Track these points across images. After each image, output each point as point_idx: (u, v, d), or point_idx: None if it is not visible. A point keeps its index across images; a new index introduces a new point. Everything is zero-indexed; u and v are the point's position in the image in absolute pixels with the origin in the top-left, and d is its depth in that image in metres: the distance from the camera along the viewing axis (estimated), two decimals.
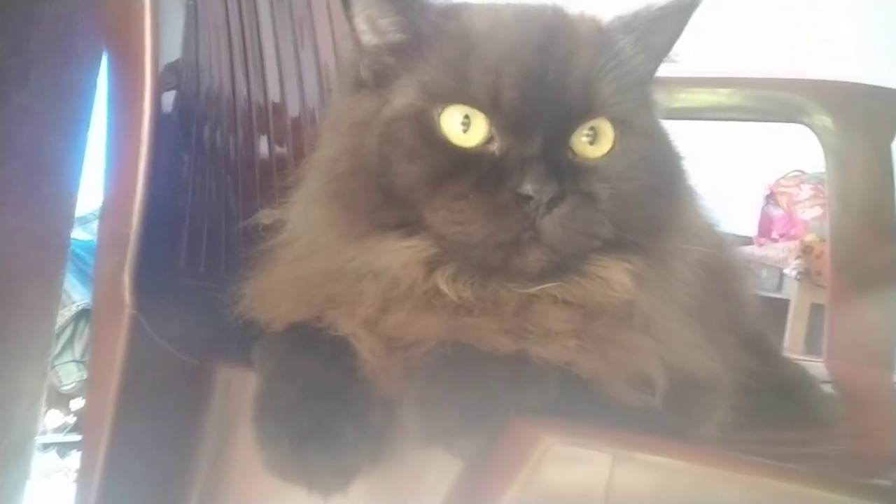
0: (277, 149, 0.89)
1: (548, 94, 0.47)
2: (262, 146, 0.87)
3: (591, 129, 0.49)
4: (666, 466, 0.37)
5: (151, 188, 0.55)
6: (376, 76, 0.52)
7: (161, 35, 0.60)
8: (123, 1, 0.60)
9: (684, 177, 0.56)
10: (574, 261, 0.49)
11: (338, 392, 0.48)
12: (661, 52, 0.54)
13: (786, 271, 2.00)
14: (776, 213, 2.38)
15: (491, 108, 0.47)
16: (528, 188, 0.45)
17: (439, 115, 0.48)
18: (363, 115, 0.51)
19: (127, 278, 0.52)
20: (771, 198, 2.40)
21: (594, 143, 0.49)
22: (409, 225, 0.48)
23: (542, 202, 0.45)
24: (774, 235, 2.34)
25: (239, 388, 0.55)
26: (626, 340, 0.49)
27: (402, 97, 0.49)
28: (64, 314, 1.53)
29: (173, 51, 0.66)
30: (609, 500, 0.36)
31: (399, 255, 0.48)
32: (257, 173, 0.85)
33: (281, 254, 0.56)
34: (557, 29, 0.50)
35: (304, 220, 0.54)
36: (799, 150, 1.67)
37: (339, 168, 0.50)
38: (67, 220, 0.90)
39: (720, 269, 0.67)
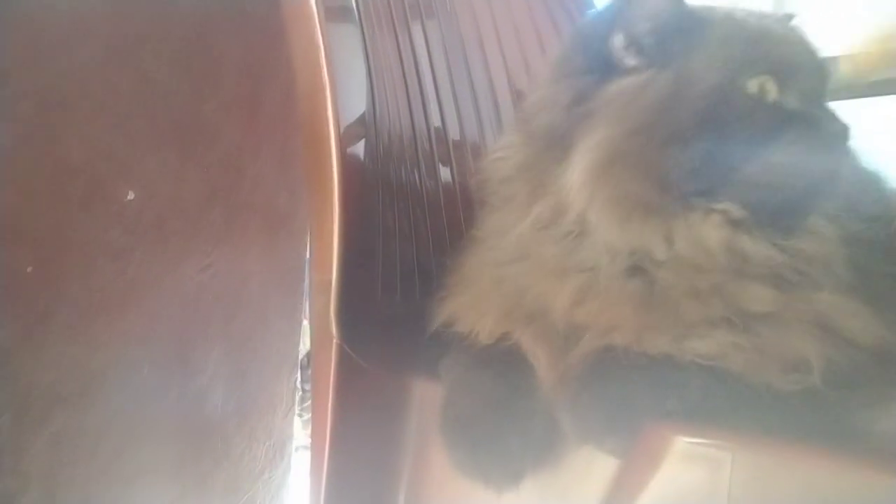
0: (459, 178, 0.97)
1: (816, 60, 0.56)
2: (445, 176, 0.92)
3: None
4: (785, 464, 0.38)
5: (346, 239, 0.65)
6: (650, 58, 0.55)
7: (340, 91, 0.68)
8: (309, 71, 0.69)
9: None
10: None
11: (506, 405, 0.54)
12: None
13: None
14: None
15: (787, 70, 0.54)
16: (840, 125, 0.52)
17: (745, 82, 0.53)
18: (661, 93, 0.54)
19: (333, 316, 0.64)
20: None
21: None
22: (716, 189, 0.53)
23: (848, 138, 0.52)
24: None
25: (432, 398, 0.64)
26: (792, 316, 0.51)
27: (707, 72, 0.53)
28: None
29: (359, 104, 0.74)
30: (732, 498, 0.38)
31: (711, 219, 0.53)
32: (443, 202, 0.92)
33: (486, 270, 0.62)
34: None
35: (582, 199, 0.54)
36: None
37: (633, 145, 0.53)
38: (301, 262, 1.09)
39: None
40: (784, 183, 0.52)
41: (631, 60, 0.56)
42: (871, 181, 0.67)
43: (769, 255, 0.52)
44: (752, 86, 0.53)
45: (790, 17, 0.61)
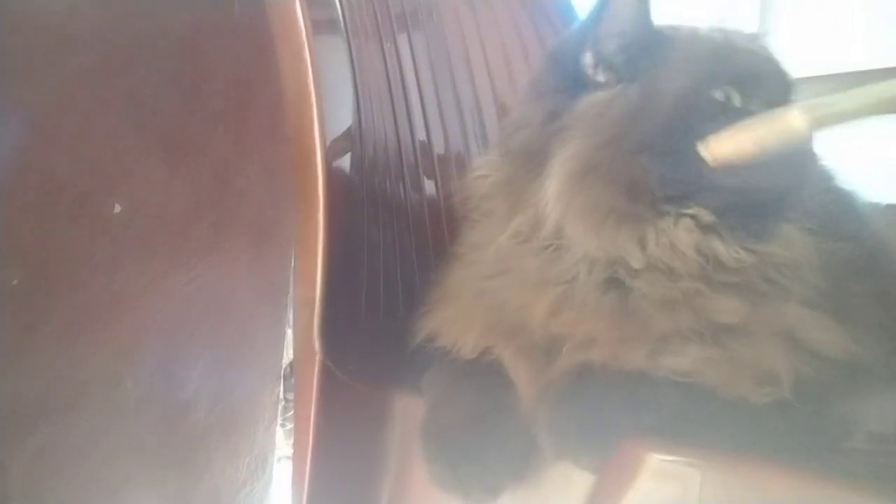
0: (443, 191, 0.97)
1: (779, 71, 0.58)
2: (429, 189, 0.92)
3: None
4: (754, 482, 0.39)
5: (331, 255, 0.65)
6: (618, 74, 0.57)
7: (327, 105, 0.68)
8: (296, 84, 0.68)
9: None
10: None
11: (486, 420, 0.55)
12: None
13: None
14: None
15: (751, 80, 0.56)
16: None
17: (711, 91, 0.55)
18: (629, 105, 0.55)
19: (316, 332, 0.64)
20: None
21: None
22: (686, 195, 0.54)
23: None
24: None
25: (414, 412, 0.64)
26: (762, 330, 0.52)
27: (673, 84, 0.55)
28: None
29: (345, 117, 0.74)
30: None
31: (682, 223, 0.54)
32: (427, 216, 0.91)
33: (468, 284, 0.63)
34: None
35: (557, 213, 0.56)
36: None
37: (604, 156, 0.54)
38: (287, 274, 1.09)
39: (877, 271, 0.65)
40: (749, 186, 0.53)
41: (600, 77, 0.58)
42: (846, 201, 0.68)
43: (739, 257, 0.54)
44: (716, 96, 0.54)
45: (760, 35, 0.63)
